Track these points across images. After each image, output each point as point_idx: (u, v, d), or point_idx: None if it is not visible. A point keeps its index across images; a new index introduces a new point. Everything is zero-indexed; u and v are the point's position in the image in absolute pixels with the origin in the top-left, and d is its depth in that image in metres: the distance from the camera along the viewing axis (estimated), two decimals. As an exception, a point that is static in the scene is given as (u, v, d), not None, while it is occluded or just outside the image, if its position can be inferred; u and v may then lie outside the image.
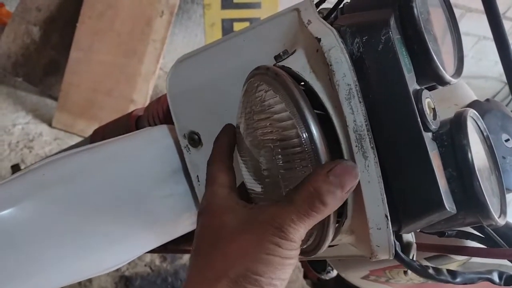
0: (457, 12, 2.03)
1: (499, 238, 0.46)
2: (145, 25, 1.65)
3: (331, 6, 0.47)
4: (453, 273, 0.45)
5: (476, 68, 2.37)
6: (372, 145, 0.34)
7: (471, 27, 2.16)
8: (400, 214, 0.35)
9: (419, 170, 0.34)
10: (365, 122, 0.34)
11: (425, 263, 0.59)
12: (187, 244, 0.82)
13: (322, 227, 0.37)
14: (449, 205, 0.35)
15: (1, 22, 1.67)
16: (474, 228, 0.47)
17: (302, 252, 0.41)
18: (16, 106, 1.71)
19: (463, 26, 2.12)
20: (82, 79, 1.66)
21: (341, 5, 0.43)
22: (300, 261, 1.09)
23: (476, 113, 0.42)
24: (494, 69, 2.40)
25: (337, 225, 0.38)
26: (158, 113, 0.73)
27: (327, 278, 0.79)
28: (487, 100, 0.60)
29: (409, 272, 0.62)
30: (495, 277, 0.48)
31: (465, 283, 0.46)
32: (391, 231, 0.35)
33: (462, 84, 0.65)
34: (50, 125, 1.69)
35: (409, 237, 0.48)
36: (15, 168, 1.08)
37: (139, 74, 1.70)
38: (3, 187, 0.54)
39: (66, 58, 1.63)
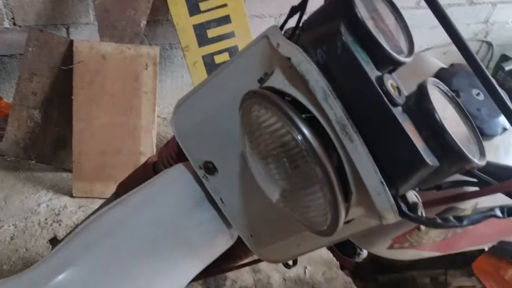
0: (417, -12, 2.13)
1: (488, 177, 0.52)
2: (134, 81, 1.75)
3: (292, 24, 0.55)
4: (459, 218, 0.52)
5: (450, 34, 2.45)
6: (354, 130, 0.41)
7: None
8: (394, 178, 0.42)
9: (397, 138, 0.41)
10: (343, 113, 0.41)
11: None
12: (228, 262, 0.89)
13: (334, 207, 0.44)
14: (430, 160, 0.42)
15: (3, 115, 1.77)
16: (466, 175, 0.54)
17: (322, 233, 0.48)
18: (36, 187, 1.80)
19: (426, 0, 2.21)
20: (90, 146, 1.75)
21: (301, 24, 0.51)
22: (332, 253, 1.15)
23: (436, 80, 0.49)
24: (467, 30, 2.48)
25: (346, 203, 0.46)
26: (171, 154, 0.80)
27: (360, 260, 0.85)
28: (452, 65, 0.68)
29: (425, 230, 0.68)
30: (498, 212, 0.54)
31: (472, 224, 0.53)
32: (389, 193, 0.42)
33: (427, 57, 0.72)
34: (71, 195, 1.78)
35: (414, 198, 0.55)
36: (54, 241, 1.15)
37: (140, 127, 1.79)
38: (58, 253, 0.62)
39: (70, 130, 1.73)
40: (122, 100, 1.75)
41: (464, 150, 0.43)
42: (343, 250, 0.89)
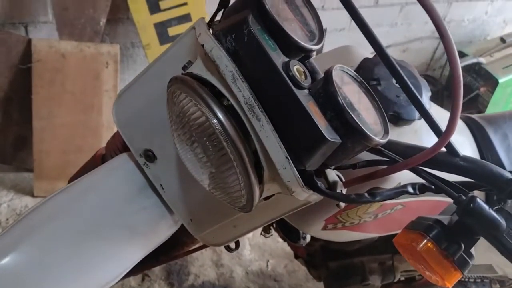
0: (374, -13, 2.20)
1: (396, 156, 0.57)
2: (94, 79, 1.76)
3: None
4: (372, 194, 0.56)
5: (408, 33, 2.54)
6: (261, 109, 0.45)
7: (392, -3, 2.33)
8: (298, 154, 0.46)
9: (299, 116, 0.45)
10: (251, 95, 0.45)
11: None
12: (176, 250, 0.92)
13: (247, 182, 0.48)
14: (331, 137, 0.46)
15: (-39, 115, 1.75)
16: (378, 154, 0.59)
17: (243, 209, 0.52)
18: (-4, 187, 1.79)
19: (385, -1, 2.29)
20: (51, 145, 1.75)
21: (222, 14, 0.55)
22: (286, 242, 1.19)
23: (344, 67, 0.53)
24: (425, 28, 2.57)
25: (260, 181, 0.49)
26: (117, 146, 0.83)
27: (304, 244, 0.89)
28: (376, 55, 0.73)
29: (352, 210, 0.73)
30: (410, 189, 0.59)
31: (385, 199, 0.57)
32: (294, 167, 0.46)
33: (354, 49, 0.77)
34: (33, 195, 1.78)
35: (334, 177, 0.59)
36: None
37: (102, 125, 1.80)
38: (2, 237, 0.64)
39: (30, 130, 1.72)
40: (83, 99, 1.76)
41: (364, 128, 0.47)
42: (290, 236, 0.93)
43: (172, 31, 1.85)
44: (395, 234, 0.92)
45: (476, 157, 0.88)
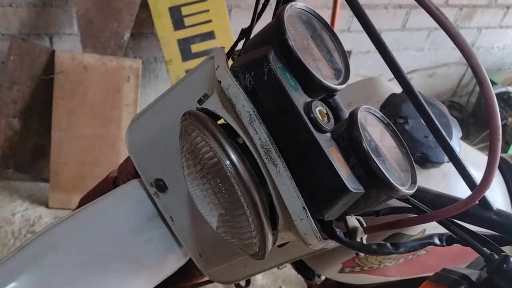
0: (402, 11, 2.16)
1: (424, 205, 0.53)
2: (115, 93, 1.75)
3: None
4: (395, 245, 0.52)
5: (436, 58, 2.48)
6: (278, 154, 0.42)
7: (420, 22, 2.28)
8: (317, 204, 0.43)
9: (319, 164, 0.41)
10: (268, 138, 0.42)
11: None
12: (184, 281, 0.88)
13: (260, 230, 0.44)
14: (354, 187, 0.42)
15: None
16: (404, 202, 0.54)
17: (255, 256, 0.48)
18: (12, 196, 1.79)
19: (412, 23, 2.24)
20: (68, 156, 1.75)
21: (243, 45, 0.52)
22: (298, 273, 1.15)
23: (371, 108, 0.49)
24: (453, 54, 2.51)
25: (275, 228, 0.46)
26: (130, 170, 0.80)
27: (319, 282, 0.85)
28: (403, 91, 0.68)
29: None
30: (436, 240, 0.55)
31: (409, 251, 0.53)
32: (311, 219, 0.42)
33: (381, 82, 0.73)
34: (47, 206, 1.77)
35: (355, 223, 0.55)
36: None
37: (120, 139, 1.79)
38: (3, 265, 0.61)
39: (49, 140, 1.72)
40: (103, 112, 1.76)
41: (389, 178, 0.43)
42: (304, 273, 0.88)
43: (195, 48, 1.84)
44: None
45: (507, 200, 0.83)
